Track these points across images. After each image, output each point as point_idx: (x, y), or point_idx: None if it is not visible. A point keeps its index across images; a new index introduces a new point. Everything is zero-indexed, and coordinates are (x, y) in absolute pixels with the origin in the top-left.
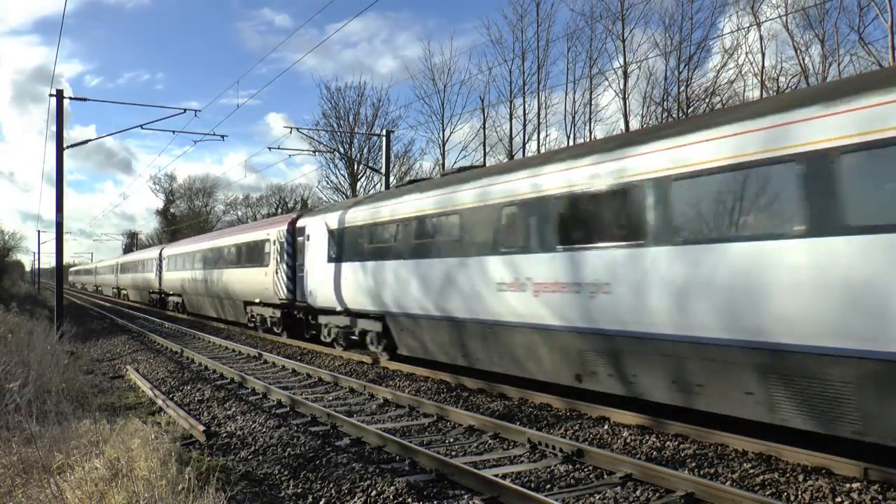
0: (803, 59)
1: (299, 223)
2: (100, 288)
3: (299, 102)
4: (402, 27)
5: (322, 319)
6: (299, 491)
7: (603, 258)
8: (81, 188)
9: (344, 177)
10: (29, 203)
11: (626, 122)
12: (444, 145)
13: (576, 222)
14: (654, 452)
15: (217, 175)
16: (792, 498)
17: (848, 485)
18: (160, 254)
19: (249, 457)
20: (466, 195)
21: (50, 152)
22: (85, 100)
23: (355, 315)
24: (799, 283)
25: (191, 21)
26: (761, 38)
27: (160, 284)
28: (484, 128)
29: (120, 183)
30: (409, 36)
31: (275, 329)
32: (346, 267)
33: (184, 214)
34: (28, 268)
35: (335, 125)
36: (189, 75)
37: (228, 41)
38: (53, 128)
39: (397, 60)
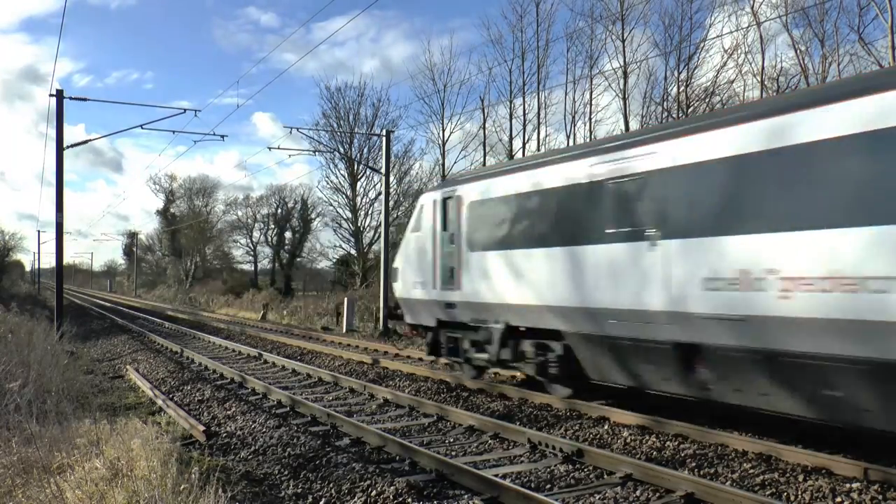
0: (803, 59)
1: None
2: None
3: (285, 101)
4: (389, 25)
5: None
6: (299, 491)
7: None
8: (73, 187)
9: (344, 177)
10: (22, 202)
11: (626, 122)
12: (444, 145)
13: None
14: (654, 452)
15: (210, 174)
16: (792, 498)
17: (848, 485)
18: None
19: (249, 457)
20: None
21: (40, 151)
22: (85, 100)
23: None
24: None
25: (176, 20)
26: (761, 37)
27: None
28: (484, 128)
29: (112, 182)
30: (397, 34)
31: None
32: None
33: (184, 214)
34: (28, 268)
35: (335, 125)
36: (178, 74)
37: (214, 40)
38: (42, 127)
39: (385, 59)
